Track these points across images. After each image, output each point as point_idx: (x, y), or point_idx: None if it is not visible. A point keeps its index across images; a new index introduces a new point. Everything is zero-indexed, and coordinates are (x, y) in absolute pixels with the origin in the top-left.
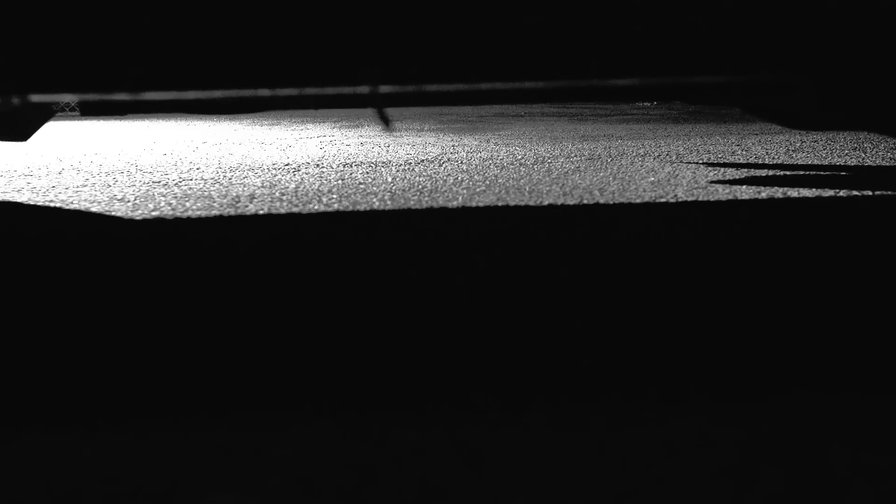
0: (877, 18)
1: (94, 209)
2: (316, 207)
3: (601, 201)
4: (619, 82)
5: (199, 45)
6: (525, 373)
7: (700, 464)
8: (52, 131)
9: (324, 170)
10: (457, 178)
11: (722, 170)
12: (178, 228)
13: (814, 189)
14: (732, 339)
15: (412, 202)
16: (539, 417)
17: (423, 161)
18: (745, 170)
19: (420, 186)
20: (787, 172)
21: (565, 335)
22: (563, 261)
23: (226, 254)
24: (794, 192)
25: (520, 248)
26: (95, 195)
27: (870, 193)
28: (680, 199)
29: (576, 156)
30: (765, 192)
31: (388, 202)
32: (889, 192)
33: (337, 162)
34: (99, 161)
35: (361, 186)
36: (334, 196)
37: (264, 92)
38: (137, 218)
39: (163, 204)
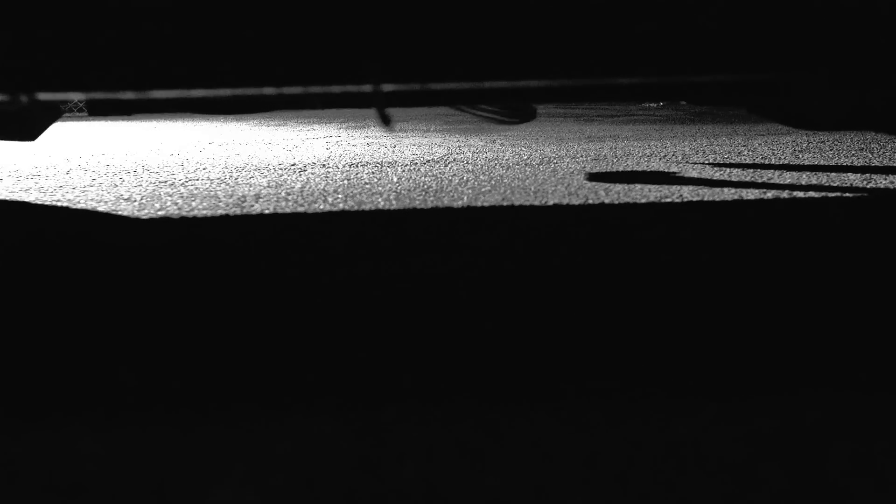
0: (885, 17)
1: (100, 208)
2: (321, 207)
3: (606, 201)
4: (625, 81)
5: (205, 44)
6: (527, 372)
7: (702, 462)
8: (60, 132)
9: (330, 170)
10: (462, 179)
11: (728, 170)
12: (183, 227)
13: (820, 190)
14: (735, 337)
15: (417, 202)
16: (541, 416)
17: (428, 161)
18: (752, 170)
19: (425, 186)
20: (794, 173)
21: (568, 334)
22: (567, 260)
23: (229, 252)
24: (800, 193)
25: (522, 248)
26: (102, 195)
27: (877, 194)
28: (685, 200)
29: (581, 156)
30: (771, 193)
31: (394, 202)
32: None
33: (343, 162)
34: (106, 161)
35: (367, 186)
36: (340, 196)
37: (269, 90)
38: (143, 217)
39: (169, 203)
